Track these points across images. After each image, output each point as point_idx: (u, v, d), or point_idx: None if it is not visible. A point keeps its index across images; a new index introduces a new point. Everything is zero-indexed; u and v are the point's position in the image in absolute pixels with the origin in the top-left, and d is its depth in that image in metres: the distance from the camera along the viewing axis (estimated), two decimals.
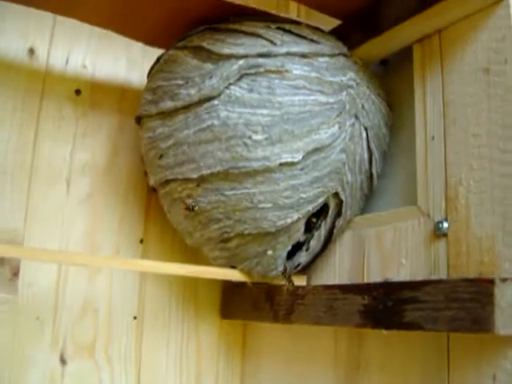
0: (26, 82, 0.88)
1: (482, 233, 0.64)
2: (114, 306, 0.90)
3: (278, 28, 0.77)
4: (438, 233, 0.69)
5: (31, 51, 0.89)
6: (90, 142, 0.92)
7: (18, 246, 0.79)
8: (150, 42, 0.90)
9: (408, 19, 0.73)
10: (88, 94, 0.93)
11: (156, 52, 0.87)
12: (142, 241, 0.94)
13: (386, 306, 0.67)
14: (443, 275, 0.67)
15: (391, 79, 0.86)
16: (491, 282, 0.56)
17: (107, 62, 0.96)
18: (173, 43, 0.83)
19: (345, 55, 0.79)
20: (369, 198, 0.84)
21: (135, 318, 0.92)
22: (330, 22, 0.86)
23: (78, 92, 0.92)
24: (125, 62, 0.97)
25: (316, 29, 0.81)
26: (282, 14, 0.81)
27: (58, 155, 0.89)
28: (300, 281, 0.85)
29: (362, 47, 0.80)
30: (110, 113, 0.94)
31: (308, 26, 0.80)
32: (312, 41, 0.77)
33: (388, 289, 0.67)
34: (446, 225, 0.68)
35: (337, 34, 0.83)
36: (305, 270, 0.86)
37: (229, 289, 0.98)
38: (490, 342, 0.60)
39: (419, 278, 0.70)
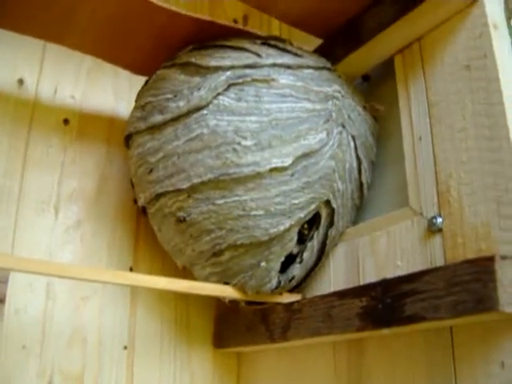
0: (15, 111, 0.89)
1: (477, 221, 0.64)
2: (103, 336, 0.87)
3: (263, 43, 0.79)
4: (432, 229, 0.69)
5: (20, 81, 0.90)
6: (78, 170, 0.92)
7: (6, 255, 0.77)
8: (137, 69, 0.92)
9: (388, 27, 0.76)
10: (76, 123, 0.94)
11: (143, 83, 0.89)
12: (131, 269, 0.92)
13: (384, 304, 0.66)
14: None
15: (373, 94, 0.88)
16: (491, 259, 0.56)
17: (95, 93, 0.97)
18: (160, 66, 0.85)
19: (329, 69, 0.81)
20: (360, 211, 0.84)
21: (125, 347, 0.88)
22: (311, 43, 0.88)
23: (66, 121, 0.93)
24: (112, 93, 0.99)
25: (299, 47, 0.83)
26: (266, 34, 0.83)
27: (46, 182, 0.88)
28: (295, 298, 0.83)
29: (344, 62, 0.83)
30: (98, 142, 0.95)
31: (292, 44, 0.83)
32: (296, 55, 0.79)
33: (385, 286, 0.66)
34: (439, 220, 0.68)
35: (319, 52, 0.86)
36: (299, 286, 0.84)
37: (221, 316, 0.96)
38: (495, 329, 0.59)
39: None
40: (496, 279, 0.55)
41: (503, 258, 0.56)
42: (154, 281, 0.75)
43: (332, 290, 0.81)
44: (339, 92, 0.79)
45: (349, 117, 0.79)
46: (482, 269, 0.56)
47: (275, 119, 0.73)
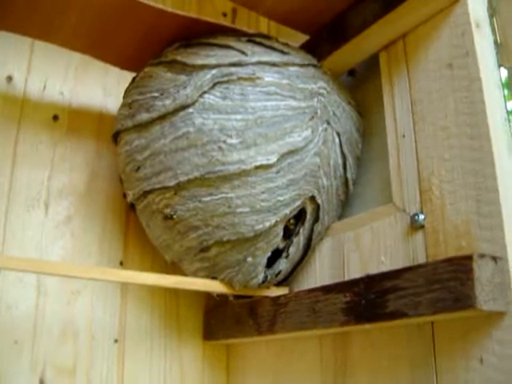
0: (4, 108, 0.90)
1: (458, 219, 0.65)
2: (94, 329, 0.88)
3: (249, 41, 0.80)
4: (414, 225, 0.70)
5: (9, 78, 0.91)
6: (68, 166, 0.92)
7: None
8: (125, 65, 0.93)
9: (373, 24, 0.76)
10: (65, 119, 0.95)
11: (131, 78, 0.89)
12: (121, 263, 0.93)
13: (367, 299, 0.67)
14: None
15: (359, 89, 0.89)
16: (469, 258, 0.57)
17: (84, 89, 0.98)
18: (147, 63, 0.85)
19: (314, 66, 0.82)
20: (345, 206, 0.85)
21: (116, 341, 0.90)
22: (299, 39, 0.89)
23: (55, 118, 0.93)
24: (101, 89, 0.99)
25: (286, 44, 0.84)
26: (253, 31, 0.84)
27: (36, 179, 0.89)
28: (282, 291, 0.85)
29: (330, 58, 0.83)
30: (88, 138, 0.95)
31: (278, 41, 0.83)
32: (282, 52, 0.80)
33: (368, 282, 0.68)
34: (422, 217, 0.69)
35: (306, 48, 0.86)
36: (286, 280, 0.85)
37: (210, 309, 0.97)
38: (474, 325, 0.60)
39: None
40: (474, 278, 0.56)
41: (481, 256, 0.57)
42: (143, 277, 0.77)
43: (318, 283, 0.82)
44: (324, 89, 0.80)
45: (334, 113, 0.80)
46: (461, 267, 0.57)
47: (260, 117, 0.73)
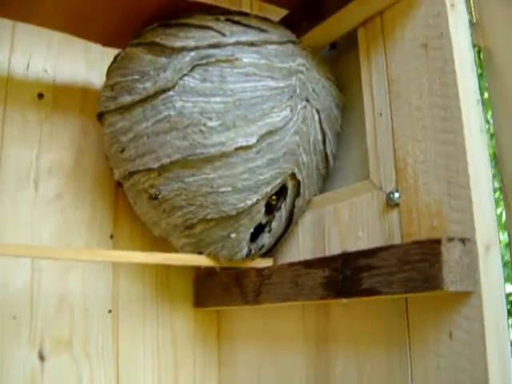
0: None
1: (430, 199, 0.67)
2: (88, 301, 0.92)
3: (227, 20, 0.80)
4: (390, 203, 0.72)
5: None
6: (56, 144, 0.94)
7: None
8: (107, 42, 0.93)
9: (350, 2, 0.76)
10: (50, 97, 0.96)
11: (114, 53, 0.89)
12: (112, 236, 0.96)
13: (344, 276, 0.70)
14: (398, 243, 0.71)
15: (341, 62, 0.89)
16: (438, 242, 0.60)
17: (67, 65, 0.98)
18: (128, 42, 0.85)
19: (293, 42, 0.82)
20: (326, 178, 0.87)
21: (110, 311, 0.94)
22: (281, 14, 0.89)
23: (40, 96, 0.94)
24: (84, 63, 1.00)
25: (265, 19, 0.84)
26: (232, 8, 0.84)
27: (24, 158, 0.91)
28: (266, 262, 0.88)
29: (309, 34, 0.83)
30: (73, 114, 0.97)
31: (257, 17, 0.83)
32: (260, 30, 0.80)
33: (345, 259, 0.71)
34: (397, 195, 0.72)
35: (285, 23, 0.86)
36: (270, 251, 0.88)
37: (200, 278, 1.01)
38: (445, 302, 0.63)
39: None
40: (442, 261, 0.59)
41: (450, 240, 0.60)
42: (132, 256, 0.80)
43: (301, 255, 0.86)
44: (303, 65, 0.81)
45: (313, 90, 0.81)
46: (430, 250, 0.60)
47: (239, 99, 0.75)
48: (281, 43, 0.80)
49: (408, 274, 0.63)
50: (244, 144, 0.75)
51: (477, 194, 0.63)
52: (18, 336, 0.85)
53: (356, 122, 0.85)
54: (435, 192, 0.67)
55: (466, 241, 0.61)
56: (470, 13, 0.72)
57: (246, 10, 0.96)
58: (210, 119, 0.74)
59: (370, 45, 0.79)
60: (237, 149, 0.75)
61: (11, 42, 0.94)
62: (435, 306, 0.65)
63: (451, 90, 0.66)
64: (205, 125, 0.74)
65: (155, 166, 0.77)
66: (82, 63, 1.00)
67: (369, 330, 0.74)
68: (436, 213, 0.67)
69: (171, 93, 0.76)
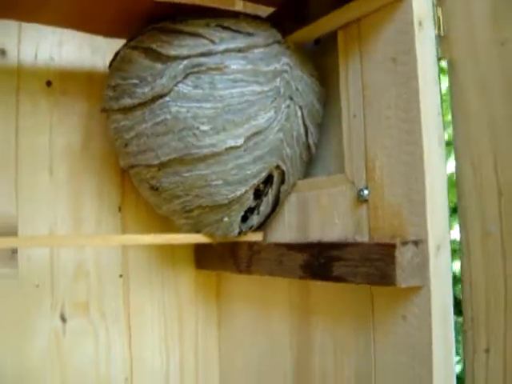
0: (1, 79, 0.99)
1: (393, 200, 0.77)
2: (101, 268, 1.05)
3: (217, 25, 0.87)
4: (360, 199, 0.82)
5: (2, 52, 0.99)
6: (65, 129, 1.04)
7: (12, 236, 0.93)
8: (108, 34, 1.00)
9: (330, 13, 0.82)
10: (58, 83, 1.04)
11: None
12: (120, 209, 1.08)
13: (319, 262, 0.82)
14: (366, 235, 0.81)
15: (324, 57, 0.96)
16: (393, 246, 0.71)
17: (73, 51, 1.07)
18: (128, 37, 0.93)
19: (278, 42, 0.89)
20: (309, 164, 0.97)
21: (121, 276, 1.07)
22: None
23: (48, 83, 1.03)
24: (88, 49, 1.08)
25: (254, 17, 0.90)
26: (223, 7, 0.90)
27: (38, 144, 1.01)
28: (257, 236, 1.00)
29: (294, 34, 0.90)
30: (80, 99, 1.06)
31: (246, 17, 0.90)
32: (248, 34, 0.87)
33: (320, 248, 0.82)
34: (366, 192, 0.81)
35: (272, 20, 0.93)
36: (261, 226, 1.00)
37: (200, 246, 1.13)
38: (401, 291, 0.74)
39: (349, 236, 0.84)
40: (395, 262, 0.70)
41: (404, 243, 0.71)
42: (141, 238, 0.92)
43: (287, 232, 0.97)
44: (287, 64, 0.88)
45: (296, 88, 0.89)
46: (386, 252, 0.71)
47: (228, 105, 0.83)
48: (266, 45, 0.87)
49: (369, 269, 0.74)
50: (233, 145, 0.84)
51: (431, 201, 0.73)
52: (41, 302, 1.00)
53: (336, 112, 0.93)
54: (397, 195, 0.77)
55: (419, 242, 0.72)
56: (438, 27, 0.78)
57: (239, 6, 1.01)
58: (202, 123, 0.83)
59: (348, 48, 0.86)
60: (227, 149, 0.85)
61: (18, 35, 1.01)
62: (394, 293, 0.76)
63: (413, 105, 0.74)
64: (198, 129, 0.84)
65: (155, 162, 0.87)
66: (87, 48, 1.07)
67: (342, 308, 0.87)
68: (397, 213, 0.77)
69: (167, 98, 0.84)
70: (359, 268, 0.75)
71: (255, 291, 1.07)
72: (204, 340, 1.15)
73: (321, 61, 0.96)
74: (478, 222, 0.72)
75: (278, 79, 0.87)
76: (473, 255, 0.72)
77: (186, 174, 0.87)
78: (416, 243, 0.72)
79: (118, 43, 0.96)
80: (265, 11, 0.95)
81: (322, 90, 0.94)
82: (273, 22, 0.92)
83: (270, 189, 0.93)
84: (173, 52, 0.85)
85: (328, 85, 0.95)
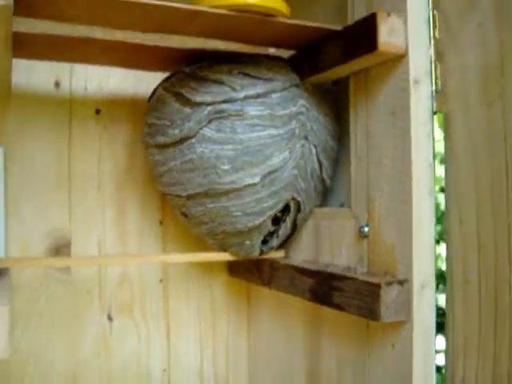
0: (56, 108, 1.13)
1: (387, 240, 0.86)
2: (143, 273, 1.20)
3: (239, 72, 0.97)
4: (361, 234, 0.92)
5: (56, 84, 1.13)
6: (112, 152, 1.17)
7: (66, 254, 1.09)
8: (148, 70, 1.12)
9: (338, 65, 0.90)
10: (106, 111, 1.17)
11: None
12: (161, 222, 1.21)
13: (323, 289, 0.92)
14: (365, 267, 0.91)
15: (341, 95, 1.03)
16: (379, 286, 0.80)
17: (118, 80, 1.19)
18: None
19: (296, 85, 0.98)
20: (326, 192, 1.07)
21: (161, 280, 1.22)
22: None
23: (97, 112, 1.16)
24: (132, 78, 1.20)
25: (276, 59, 1.00)
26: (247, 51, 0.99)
27: (88, 166, 1.15)
28: (279, 254, 1.11)
29: (310, 78, 0.98)
30: (125, 124, 1.19)
31: (268, 61, 0.99)
32: (267, 80, 0.96)
33: (324, 277, 0.92)
34: (366, 229, 0.91)
35: (292, 61, 1.01)
36: (283, 245, 1.11)
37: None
38: (390, 323, 0.84)
39: (351, 265, 0.94)
40: (380, 301, 0.80)
41: (389, 284, 0.80)
42: (178, 257, 1.06)
43: (305, 252, 1.07)
44: (304, 106, 0.97)
45: (311, 128, 0.98)
46: (373, 290, 0.81)
47: (246, 147, 0.94)
48: (284, 89, 0.97)
49: (359, 302, 0.84)
50: (250, 182, 0.95)
51: (418, 245, 0.81)
52: (91, 305, 1.15)
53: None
54: (390, 236, 0.85)
55: (404, 281, 0.81)
56: (435, 82, 0.85)
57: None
58: (224, 163, 0.95)
59: (357, 94, 0.94)
60: (245, 186, 0.95)
61: (71, 66, 1.14)
62: (384, 324, 0.86)
63: (406, 157, 0.82)
64: (219, 168, 0.95)
65: (184, 194, 1.00)
66: (130, 77, 1.19)
67: (344, 329, 0.97)
68: (390, 252, 0.86)
69: (193, 140, 0.96)
70: (353, 300, 0.86)
71: (278, 303, 1.19)
72: (234, 340, 1.29)
73: (338, 99, 1.04)
74: (460, 271, 0.81)
75: (294, 121, 0.96)
76: (456, 299, 0.81)
77: (211, 205, 0.99)
78: (401, 282, 0.81)
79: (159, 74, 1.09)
80: (286, 52, 1.03)
81: (336, 128, 1.02)
82: (293, 63, 1.01)
83: (287, 216, 1.03)
84: (199, 98, 0.96)
85: (345, 123, 1.03)
